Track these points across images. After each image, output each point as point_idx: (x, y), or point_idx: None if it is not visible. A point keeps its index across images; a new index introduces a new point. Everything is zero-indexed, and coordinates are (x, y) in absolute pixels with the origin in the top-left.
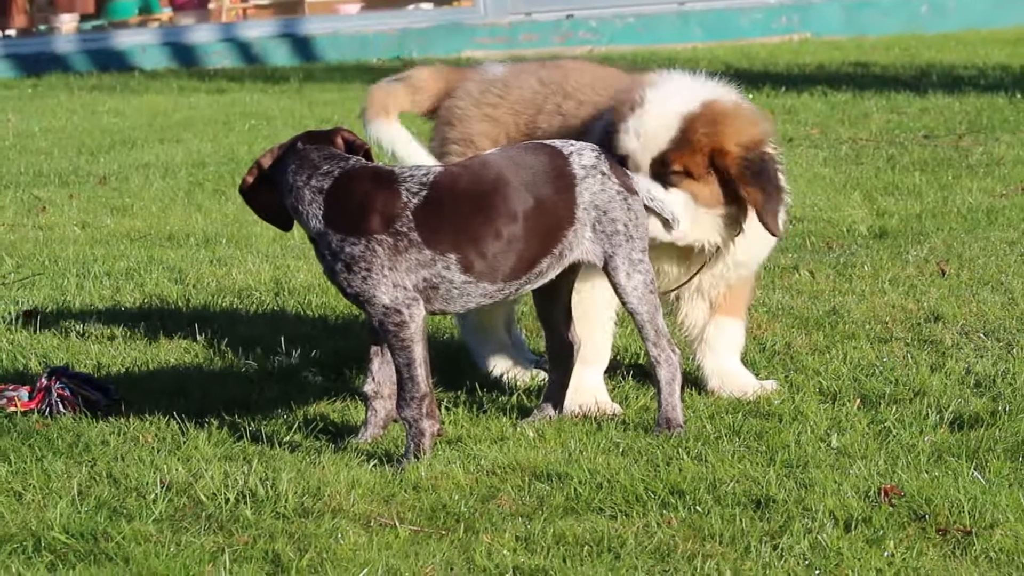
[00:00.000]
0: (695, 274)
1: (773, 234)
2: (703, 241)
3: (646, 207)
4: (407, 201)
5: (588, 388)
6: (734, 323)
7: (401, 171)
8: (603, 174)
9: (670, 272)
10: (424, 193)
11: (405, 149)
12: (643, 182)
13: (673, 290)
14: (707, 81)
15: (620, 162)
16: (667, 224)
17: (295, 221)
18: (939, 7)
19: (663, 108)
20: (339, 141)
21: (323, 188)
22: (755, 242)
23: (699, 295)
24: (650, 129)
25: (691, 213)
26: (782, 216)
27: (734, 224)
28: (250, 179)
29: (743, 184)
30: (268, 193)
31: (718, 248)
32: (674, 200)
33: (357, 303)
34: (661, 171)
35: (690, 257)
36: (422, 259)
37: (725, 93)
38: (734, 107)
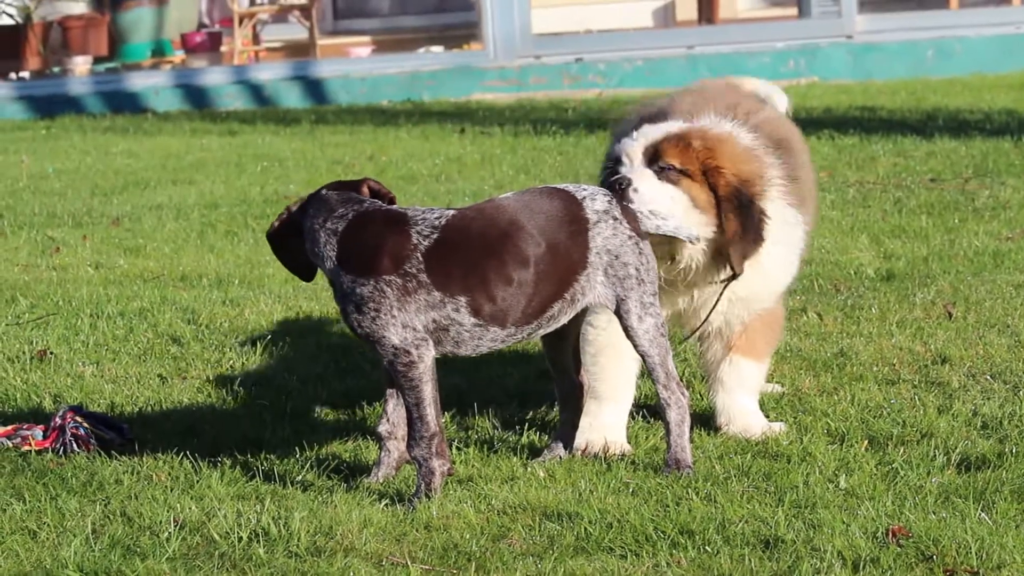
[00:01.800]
0: (709, 314)
1: (733, 269)
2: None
3: (664, 235)
4: (417, 243)
5: (600, 426)
6: (748, 363)
7: (414, 214)
8: (615, 219)
9: (680, 306)
10: (435, 236)
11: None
12: (648, 218)
13: (691, 334)
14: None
15: (614, 163)
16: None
17: (318, 270)
18: (945, 52)
19: (664, 122)
20: (364, 189)
21: (337, 230)
22: (756, 279)
23: (718, 335)
24: (643, 130)
25: (689, 214)
26: (750, 261)
27: (720, 252)
28: (277, 224)
29: (728, 208)
30: (295, 240)
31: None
32: (675, 197)
33: (368, 343)
34: (654, 161)
35: (694, 290)
36: (431, 300)
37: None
38: (735, 138)
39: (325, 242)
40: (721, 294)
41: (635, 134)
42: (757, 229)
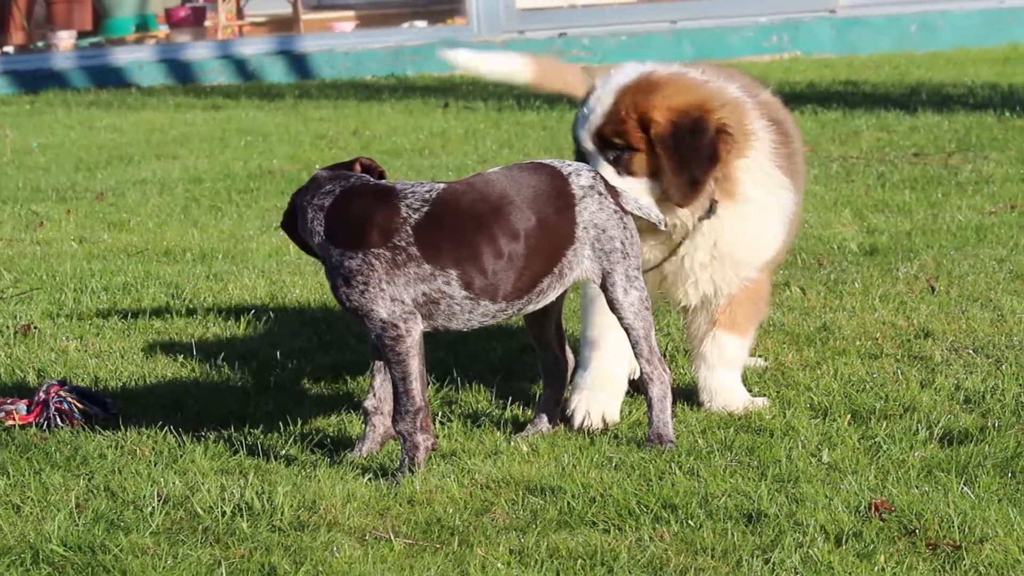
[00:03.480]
0: (672, 252)
1: (677, 204)
2: (680, 222)
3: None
4: (407, 216)
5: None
6: (731, 338)
7: (403, 187)
8: (600, 194)
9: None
10: (426, 209)
11: None
12: (628, 193)
13: (651, 268)
14: (672, 64)
15: (576, 150)
16: (655, 227)
17: None
18: (929, 26)
19: (605, 87)
20: (356, 167)
21: (323, 205)
22: (740, 235)
23: (703, 308)
24: (589, 108)
25: (654, 191)
26: (703, 190)
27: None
28: (285, 214)
29: (661, 151)
30: (298, 228)
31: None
32: (635, 187)
33: (356, 317)
34: (603, 147)
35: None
36: (421, 273)
37: (680, 69)
38: (670, 76)
39: (312, 217)
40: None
41: (581, 120)
42: (701, 152)
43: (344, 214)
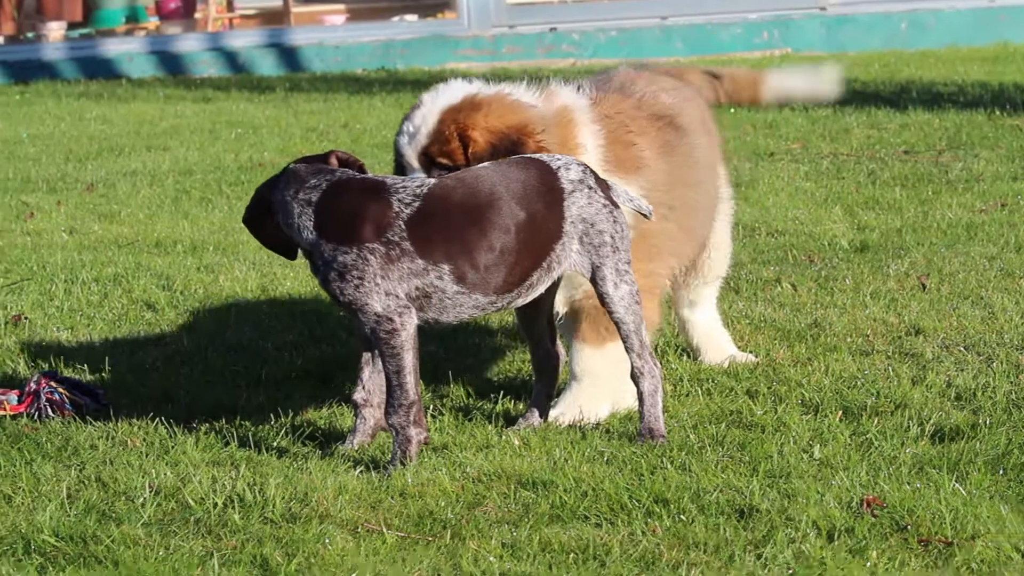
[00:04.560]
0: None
1: None
2: None
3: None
4: (399, 211)
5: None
6: (580, 347)
7: (393, 182)
8: (589, 188)
9: None
10: (418, 204)
11: None
12: (618, 186)
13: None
14: (502, 84)
15: (397, 162)
16: (645, 216)
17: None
18: (919, 24)
19: (431, 106)
20: (332, 160)
21: (311, 200)
22: None
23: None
24: (415, 126)
25: None
26: None
27: None
28: (250, 205)
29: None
30: (270, 219)
31: None
32: None
33: (349, 311)
34: (429, 166)
35: None
36: (414, 268)
37: (509, 90)
38: (494, 97)
39: (300, 213)
40: None
41: (408, 137)
42: None
43: (335, 209)
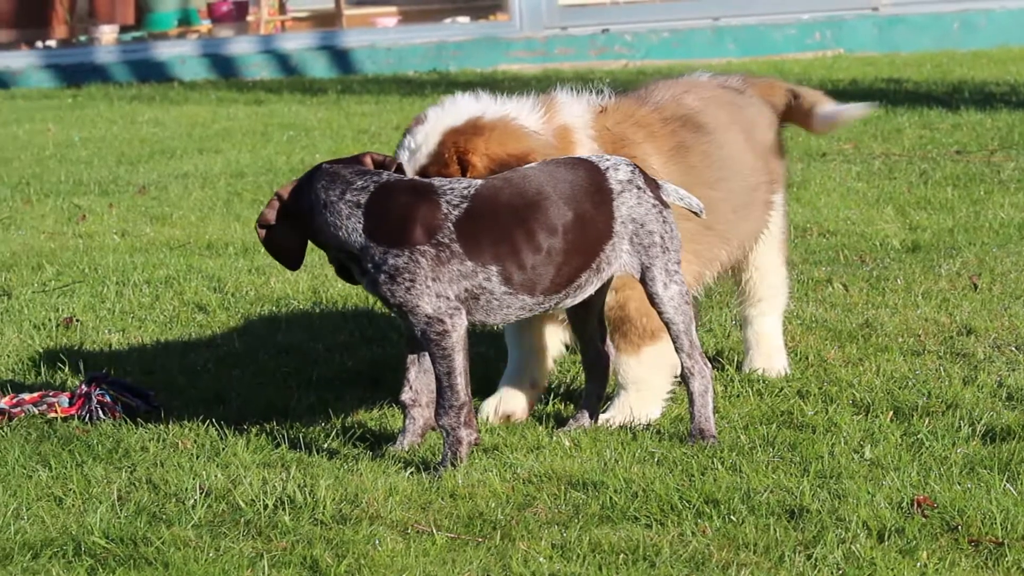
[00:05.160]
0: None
1: None
2: None
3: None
4: (448, 212)
5: None
6: (618, 357)
7: (440, 184)
8: (639, 188)
9: None
10: (465, 206)
11: None
12: (668, 185)
13: None
14: (508, 100)
15: (398, 171)
16: (695, 214)
17: (304, 258)
18: (971, 24)
19: (434, 124)
20: (367, 160)
21: (359, 202)
22: None
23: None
24: (416, 143)
25: None
26: None
27: None
28: (270, 212)
29: None
30: (287, 227)
31: None
32: None
33: (400, 313)
34: None
35: None
36: (464, 270)
37: (515, 113)
38: (497, 122)
39: (348, 215)
40: None
41: (408, 153)
42: None
43: (386, 211)
